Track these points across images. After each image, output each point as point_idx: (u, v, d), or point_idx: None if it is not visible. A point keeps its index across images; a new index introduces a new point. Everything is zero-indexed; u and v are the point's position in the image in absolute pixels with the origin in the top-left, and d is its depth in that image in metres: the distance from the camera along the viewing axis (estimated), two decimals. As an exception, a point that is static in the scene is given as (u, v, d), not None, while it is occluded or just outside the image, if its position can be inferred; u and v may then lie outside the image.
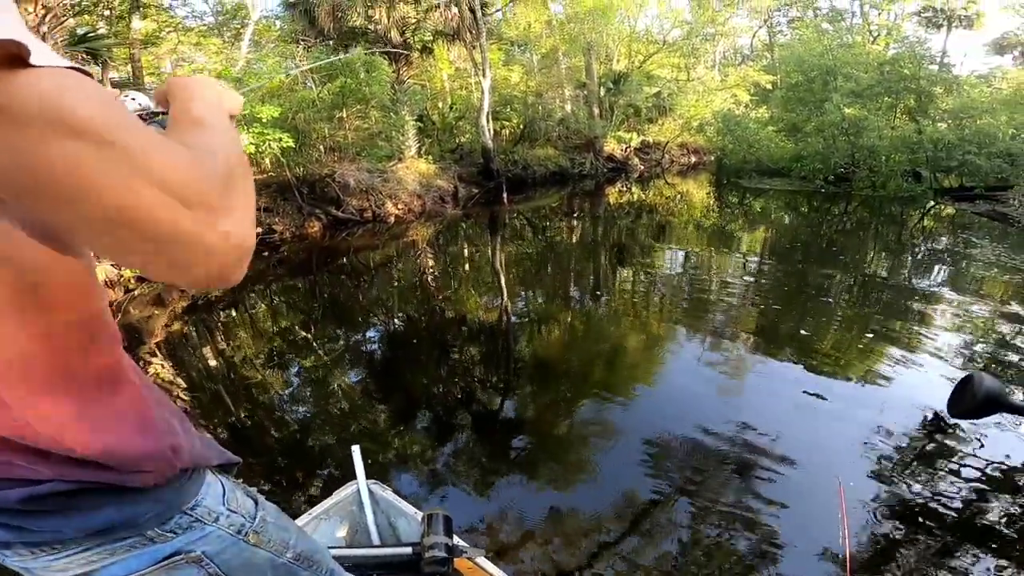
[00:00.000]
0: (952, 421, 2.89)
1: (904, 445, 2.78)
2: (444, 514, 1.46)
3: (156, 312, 5.74)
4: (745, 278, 6.17)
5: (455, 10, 12.55)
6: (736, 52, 27.87)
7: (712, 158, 17.52)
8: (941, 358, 3.77)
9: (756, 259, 7.19)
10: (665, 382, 3.68)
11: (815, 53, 14.21)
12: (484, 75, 13.08)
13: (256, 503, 0.76)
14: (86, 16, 10.50)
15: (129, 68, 12.16)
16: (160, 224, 0.39)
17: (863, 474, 2.55)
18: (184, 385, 4.05)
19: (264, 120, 8.54)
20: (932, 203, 11.04)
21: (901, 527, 2.24)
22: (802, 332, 4.46)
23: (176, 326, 5.44)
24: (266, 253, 8.02)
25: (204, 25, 17.27)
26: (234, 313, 5.95)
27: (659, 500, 2.45)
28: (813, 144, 13.09)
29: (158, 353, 4.70)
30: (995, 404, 2.58)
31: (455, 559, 1.40)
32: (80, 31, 8.99)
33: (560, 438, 2.99)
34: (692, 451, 2.79)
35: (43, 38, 6.32)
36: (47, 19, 6.26)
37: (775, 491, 2.45)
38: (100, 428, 0.55)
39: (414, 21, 13.05)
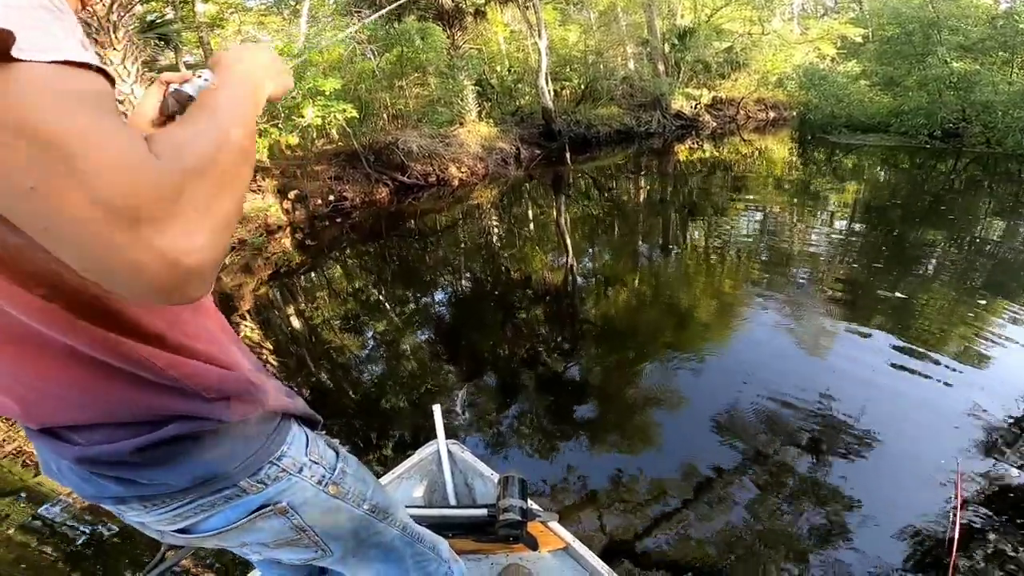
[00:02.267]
0: None
1: (1011, 424, 2.45)
2: (520, 477, 1.45)
3: (245, 279, 5.92)
4: (833, 238, 5.63)
5: (505, -29, 12.06)
6: (818, 4, 25.53)
7: (794, 113, 16.25)
8: None
9: (846, 218, 6.52)
10: (739, 346, 3.40)
11: (913, 5, 12.94)
12: (540, 36, 12.62)
13: (337, 454, 0.79)
14: (153, 3, 10.84)
15: (201, 51, 12.56)
16: (83, 234, 0.36)
17: (963, 452, 2.29)
18: (271, 348, 4.13)
19: (327, 93, 8.58)
20: (1058, 160, 9.71)
21: (1007, 511, 2.00)
22: (896, 296, 3.98)
23: (262, 291, 5.58)
24: (339, 219, 8.16)
25: (263, 4, 17.61)
26: (314, 277, 6.06)
27: (730, 469, 2.29)
28: (915, 98, 11.98)
29: (247, 318, 4.82)
30: None
31: (529, 522, 1.39)
32: (149, 18, 9.27)
33: (627, 401, 2.85)
34: (766, 420, 2.58)
35: (114, 27, 6.50)
36: (115, 7, 6.40)
37: (859, 465, 2.26)
38: (187, 342, 0.58)
39: (464, -15, 12.68)
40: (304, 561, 0.81)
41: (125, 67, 6.89)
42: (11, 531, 2.39)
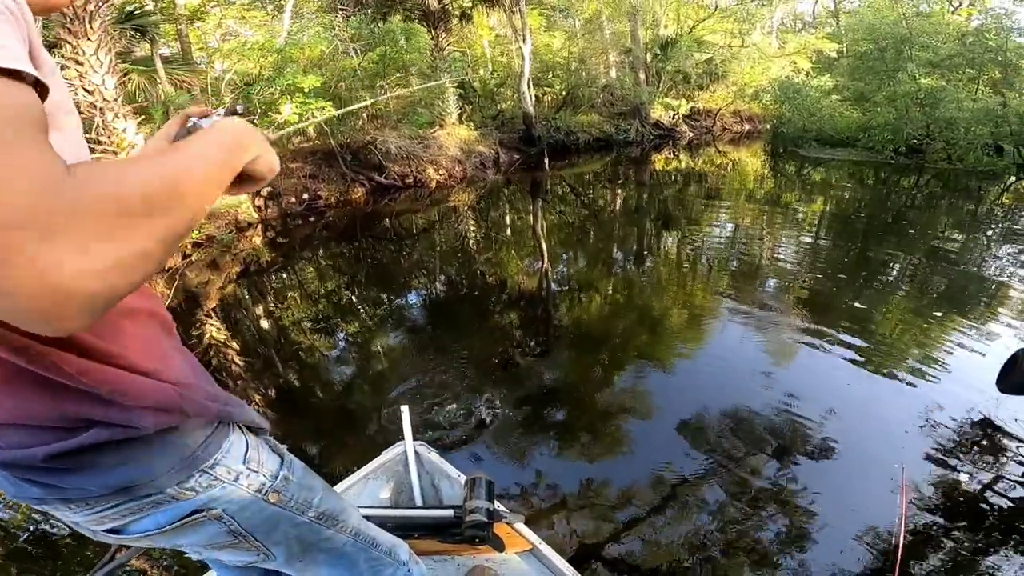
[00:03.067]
0: (1013, 403, 2.67)
1: (962, 431, 2.59)
2: (487, 478, 1.45)
3: (212, 277, 5.85)
4: (800, 250, 5.82)
5: (493, -25, 12.12)
6: (796, 19, 26.15)
7: (768, 126, 16.64)
8: (1008, 342, 3.43)
9: (813, 230, 6.74)
10: (708, 354, 3.50)
11: (888, 21, 13.28)
12: (524, 41, 12.70)
13: (282, 461, 0.77)
14: None
15: (178, 44, 12.33)
16: None
17: (916, 458, 2.40)
18: (237, 347, 4.10)
19: (306, 90, 8.53)
20: (1014, 178, 10.14)
21: (953, 516, 2.11)
22: (859, 307, 4.15)
23: (230, 289, 5.54)
24: (312, 218, 8.11)
25: (246, -2, 17.34)
26: (284, 277, 6.02)
27: (696, 475, 2.36)
28: (883, 114, 12.31)
29: (213, 316, 4.78)
30: None
31: (495, 523, 1.40)
32: (128, 9, 9.11)
33: (597, 407, 2.90)
34: (733, 426, 2.67)
35: (90, 16, 6.39)
36: (93, -3, 6.30)
37: (819, 471, 2.35)
38: (104, 346, 0.56)
39: (452, -13, 12.70)
40: (247, 563, 0.81)
41: (98, 57, 6.75)
42: None
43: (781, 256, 5.62)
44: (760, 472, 2.36)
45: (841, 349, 3.43)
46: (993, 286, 4.65)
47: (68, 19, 6.20)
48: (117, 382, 0.56)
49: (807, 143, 13.67)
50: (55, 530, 2.30)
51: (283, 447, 0.80)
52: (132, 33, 8.52)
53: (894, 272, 5.06)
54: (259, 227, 7.74)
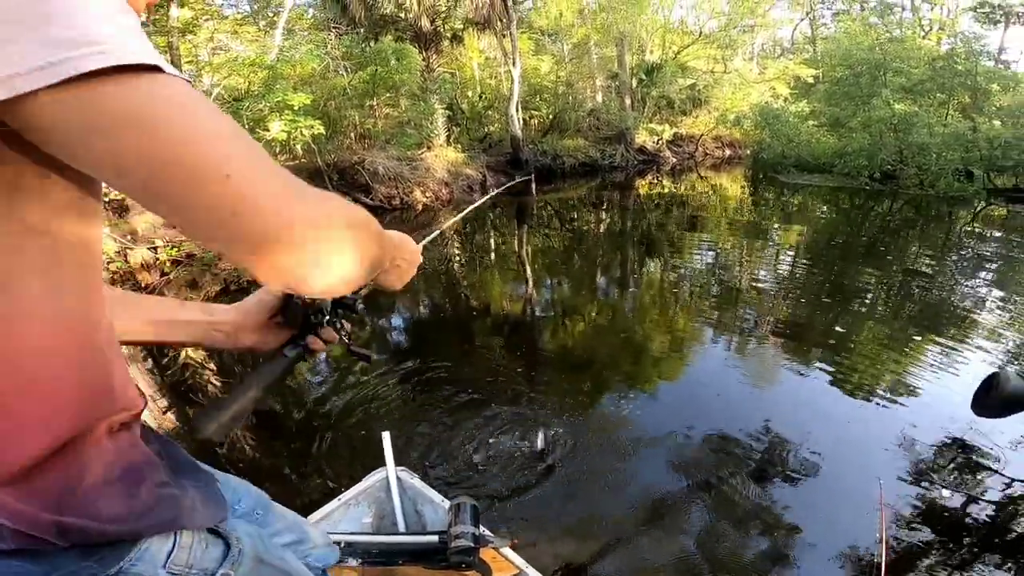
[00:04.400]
0: (987, 424, 2.73)
1: (939, 450, 2.67)
2: (471, 503, 1.43)
3: (191, 295, 5.83)
4: (779, 275, 5.95)
5: (486, -2, 12.39)
6: (775, 45, 27.00)
7: (748, 152, 17.05)
8: (981, 364, 3.55)
9: (791, 256, 6.91)
10: (690, 377, 3.57)
11: (863, 47, 13.65)
12: (514, 64, 12.94)
13: (226, 554, 0.72)
14: None
15: (168, 56, 12.37)
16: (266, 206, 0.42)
17: (895, 478, 2.46)
18: (214, 368, 4.07)
19: (296, 108, 8.61)
20: (984, 203, 10.48)
21: (934, 534, 2.16)
22: (837, 330, 4.26)
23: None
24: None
25: (240, 13, 17.51)
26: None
27: (681, 497, 2.39)
28: (858, 140, 12.59)
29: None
30: (1020, 403, 2.45)
31: (481, 548, 1.37)
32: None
33: (580, 430, 2.93)
34: (716, 448, 2.72)
35: None
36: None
37: (801, 491, 2.40)
38: None
39: (444, 9, 12.96)
40: None
41: None
42: None
43: (761, 281, 5.74)
44: (743, 493, 2.40)
45: (820, 371, 3.52)
46: (965, 309, 4.79)
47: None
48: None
49: (786, 169, 13.98)
50: None
51: (237, 533, 0.76)
52: None
53: (870, 296, 5.20)
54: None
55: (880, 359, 3.76)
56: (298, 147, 10.04)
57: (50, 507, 0.55)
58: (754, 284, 5.62)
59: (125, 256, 6.19)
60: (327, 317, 0.75)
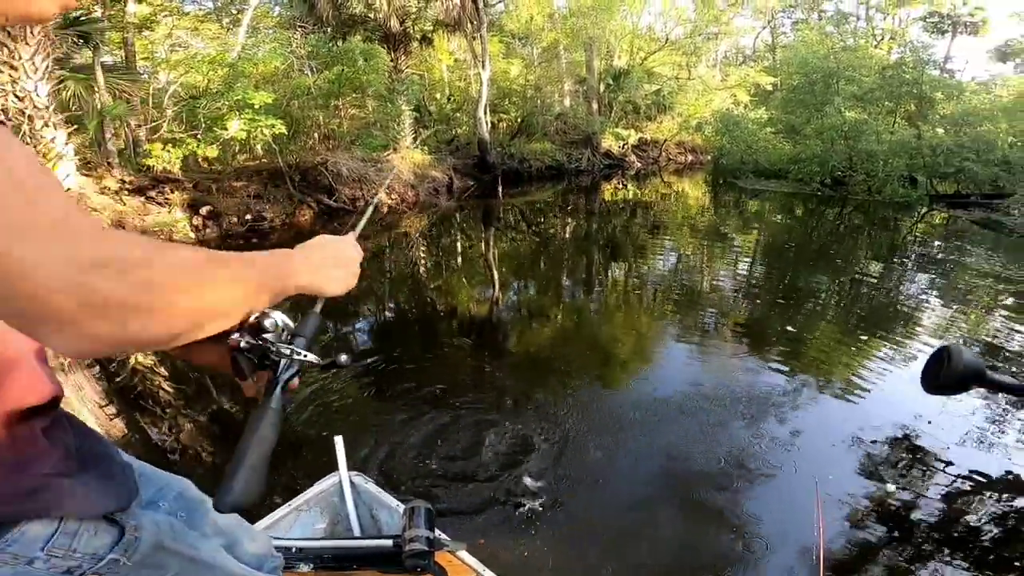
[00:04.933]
0: (933, 419, 2.86)
1: (883, 448, 2.78)
2: (426, 507, 1.44)
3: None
4: (736, 278, 6.16)
5: (456, 0, 12.40)
6: (738, 52, 27.75)
7: (709, 157, 17.48)
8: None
9: (748, 260, 7.17)
10: (649, 380, 3.65)
11: (819, 55, 14.10)
12: (484, 67, 12.98)
13: (117, 543, 0.75)
14: None
15: (122, 53, 11.97)
16: (35, 249, 0.39)
17: (841, 476, 2.54)
18: (165, 374, 3.99)
19: (256, 106, 8.46)
20: (926, 208, 11.03)
21: (876, 529, 2.24)
22: (789, 330, 4.44)
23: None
24: (255, 239, 7.96)
25: (202, 10, 17.06)
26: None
27: (635, 499, 2.45)
28: (811, 147, 13.04)
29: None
30: (972, 378, 2.40)
31: (436, 552, 1.38)
32: (74, 14, 8.84)
33: (541, 434, 2.97)
34: (671, 448, 2.79)
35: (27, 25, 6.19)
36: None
37: (752, 492, 2.45)
38: None
39: (415, 10, 12.91)
40: None
41: (33, 63, 6.52)
42: None
43: (719, 283, 5.93)
44: (698, 495, 2.45)
45: (773, 371, 3.65)
46: (909, 309, 5.08)
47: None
48: None
49: (745, 174, 14.38)
50: None
51: (135, 524, 0.78)
52: (75, 39, 8.25)
53: (821, 298, 5.45)
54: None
55: (830, 358, 3.92)
56: (258, 147, 9.86)
57: None
58: (712, 287, 5.81)
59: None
60: (287, 350, 0.66)
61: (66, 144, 6.93)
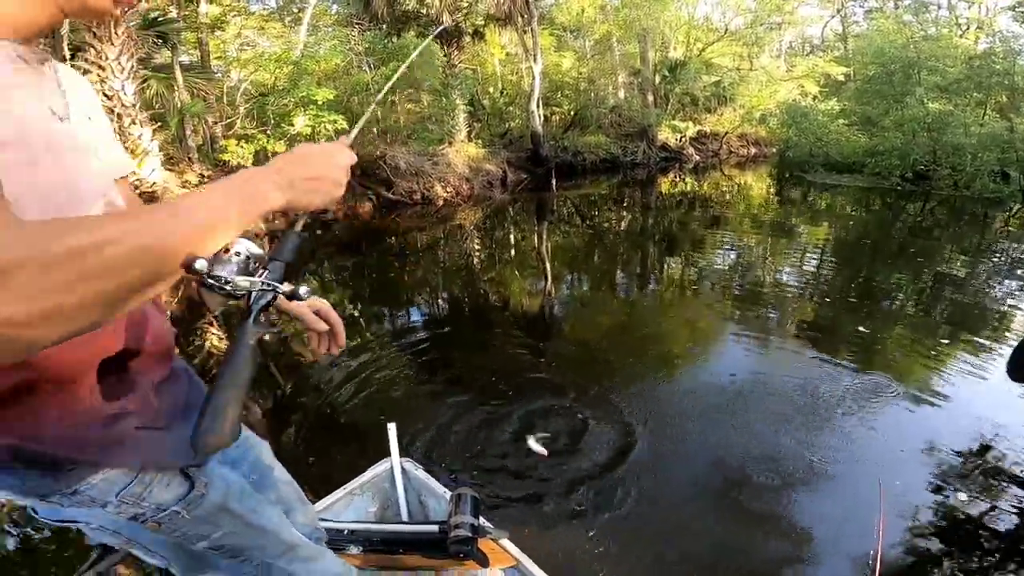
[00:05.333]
0: (1017, 430, 2.63)
1: (957, 457, 2.58)
2: (472, 494, 1.46)
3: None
4: (804, 275, 5.83)
5: (506, -6, 12.34)
6: (804, 42, 26.39)
7: (774, 150, 16.71)
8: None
9: (817, 256, 6.75)
10: (708, 378, 3.51)
11: (897, 45, 13.27)
12: (535, 60, 12.88)
13: (184, 497, 0.78)
14: (156, 0, 10.94)
15: (198, 52, 12.61)
16: None
17: (908, 482, 2.39)
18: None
19: (320, 102, 8.69)
20: (1020, 205, 10.10)
21: (940, 541, 2.11)
22: (862, 331, 4.14)
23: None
24: (319, 231, 8.21)
25: (266, 9, 17.80)
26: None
27: (687, 496, 2.38)
28: (890, 139, 12.24)
29: (214, 324, 4.84)
30: None
31: (479, 539, 1.40)
32: (152, 15, 9.36)
33: (589, 427, 2.92)
34: (731, 449, 2.68)
35: (115, 22, 6.55)
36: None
37: (810, 493, 2.36)
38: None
39: (466, 5, 12.95)
40: (152, 558, 0.88)
41: (119, 63, 6.92)
42: None
43: (785, 281, 5.63)
44: (753, 493, 2.36)
45: (841, 371, 3.44)
46: (998, 314, 4.63)
47: (94, 23, 6.31)
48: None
49: (814, 168, 13.67)
50: (39, 533, 2.33)
51: (204, 481, 0.80)
52: (154, 40, 8.73)
53: (899, 298, 5.06)
54: (265, 238, 7.83)
55: (906, 361, 3.67)
56: (322, 141, 10.15)
57: (16, 430, 0.63)
58: (777, 283, 5.52)
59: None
60: (245, 282, 0.59)
61: (151, 140, 7.33)
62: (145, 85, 7.94)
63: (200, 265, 0.49)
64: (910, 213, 9.94)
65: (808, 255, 6.78)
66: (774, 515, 2.23)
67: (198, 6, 11.23)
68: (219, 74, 11.03)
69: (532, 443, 2.71)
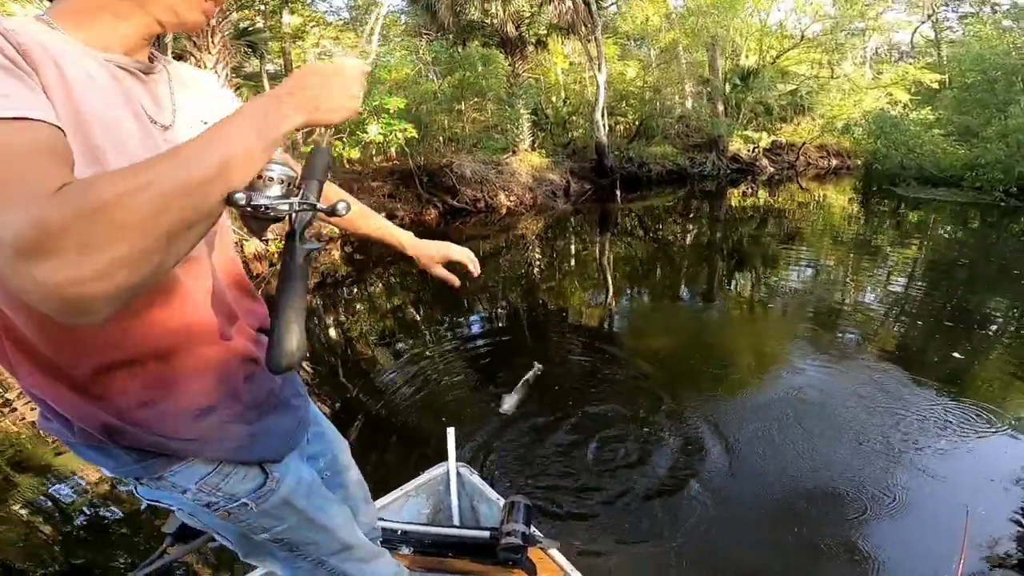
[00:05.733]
0: None
1: None
2: (525, 503, 1.48)
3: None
4: (890, 295, 5.38)
5: (569, 3, 12.30)
6: (892, 48, 24.71)
7: (859, 162, 15.60)
8: None
9: (905, 276, 6.18)
10: (777, 395, 3.29)
11: (998, 51, 12.23)
12: (599, 69, 12.75)
13: (256, 490, 0.81)
14: (245, 11, 11.69)
15: (281, 61, 13.39)
16: None
17: (995, 513, 2.20)
18: (307, 354, 4.24)
19: (391, 111, 8.93)
20: None
21: (1020, 571, 1.93)
22: (955, 357, 3.80)
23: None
24: (387, 236, 8.39)
25: (340, 20, 18.70)
26: (356, 291, 6.23)
27: (754, 515, 2.26)
28: (992, 151, 11.14)
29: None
30: None
31: (529, 547, 1.41)
32: (242, 25, 9.98)
33: (648, 442, 2.83)
34: (796, 467, 2.55)
35: (212, 31, 7.00)
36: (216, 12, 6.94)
37: (887, 517, 2.23)
38: (45, 389, 0.66)
39: (528, 14, 13.01)
40: (222, 540, 0.94)
41: (216, 71, 7.42)
42: (22, 510, 2.53)
43: (869, 301, 5.22)
44: (826, 513, 2.24)
45: (932, 397, 3.18)
46: None
47: (193, 34, 6.78)
48: (62, 404, 0.68)
49: (905, 181, 12.64)
50: (111, 515, 2.42)
51: (277, 477, 0.82)
52: (245, 49, 9.31)
53: (1000, 323, 4.56)
54: (339, 242, 8.10)
55: (1007, 389, 3.33)
56: (392, 149, 10.44)
57: (110, 413, 0.67)
58: (860, 302, 5.13)
59: (241, 247, 6.67)
60: (285, 205, 0.59)
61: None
62: (237, 92, 8.46)
63: (239, 198, 0.52)
64: (1014, 231, 8.97)
65: (896, 274, 6.23)
66: (846, 539, 2.12)
67: (281, 17, 11.93)
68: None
69: (507, 400, 2.66)
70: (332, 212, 0.63)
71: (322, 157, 0.64)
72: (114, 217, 0.43)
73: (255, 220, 0.60)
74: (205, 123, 0.73)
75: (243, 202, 0.52)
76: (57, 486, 2.68)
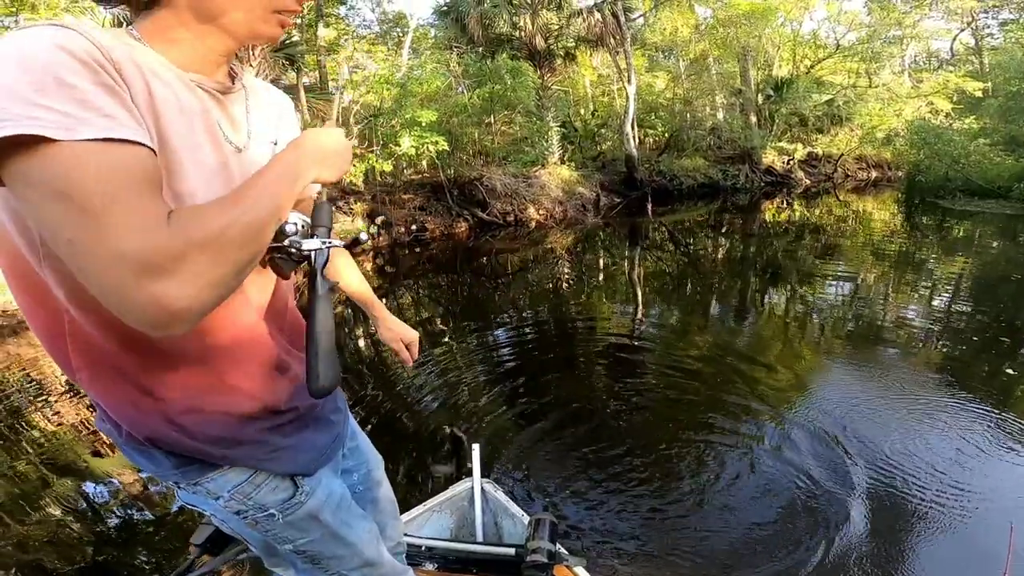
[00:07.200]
0: None
1: None
2: (551, 520, 1.47)
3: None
4: (935, 310, 5.18)
5: (598, 16, 12.29)
6: (931, 56, 23.95)
7: (901, 174, 15.07)
8: None
9: (949, 292, 5.89)
10: (811, 413, 3.16)
11: (1041, 58, 11.73)
12: (628, 81, 12.68)
13: (285, 501, 0.82)
14: None
15: (317, 74, 13.74)
16: (104, 276, 0.48)
17: None
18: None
19: (424, 124, 9.04)
20: None
21: None
22: (1006, 372, 3.67)
23: (338, 309, 5.86)
24: (418, 249, 8.51)
25: (372, 33, 19.14)
26: (387, 303, 6.27)
27: (789, 540, 2.17)
28: (1042, 161, 10.68)
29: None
30: None
31: (555, 565, 1.40)
32: (281, 38, 10.26)
33: (678, 459, 2.78)
34: (838, 482, 2.48)
35: (251, 47, 7.21)
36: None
37: (935, 528, 2.20)
38: (106, 394, 0.69)
39: (557, 27, 13.06)
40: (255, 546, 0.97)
41: None
42: (56, 510, 2.59)
43: (912, 316, 5.01)
44: (868, 526, 2.18)
45: (981, 411, 3.04)
46: None
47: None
48: (115, 410, 0.72)
49: (951, 193, 12.13)
50: (142, 518, 2.46)
51: (306, 490, 0.84)
52: (283, 62, 9.59)
53: None
54: (371, 254, 8.21)
55: None
56: (423, 162, 10.57)
57: (160, 418, 0.70)
58: (902, 319, 4.92)
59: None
60: (315, 243, 0.69)
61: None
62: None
63: (290, 229, 0.66)
64: (1071, 247, 8.49)
65: (941, 289, 5.95)
66: (893, 551, 2.09)
67: (317, 30, 12.25)
68: (337, 94, 11.83)
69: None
70: (355, 243, 0.80)
71: (327, 209, 0.74)
72: (218, 247, 0.52)
73: (285, 260, 0.70)
74: (275, 143, 0.79)
75: (294, 233, 0.65)
76: (92, 486, 2.76)
